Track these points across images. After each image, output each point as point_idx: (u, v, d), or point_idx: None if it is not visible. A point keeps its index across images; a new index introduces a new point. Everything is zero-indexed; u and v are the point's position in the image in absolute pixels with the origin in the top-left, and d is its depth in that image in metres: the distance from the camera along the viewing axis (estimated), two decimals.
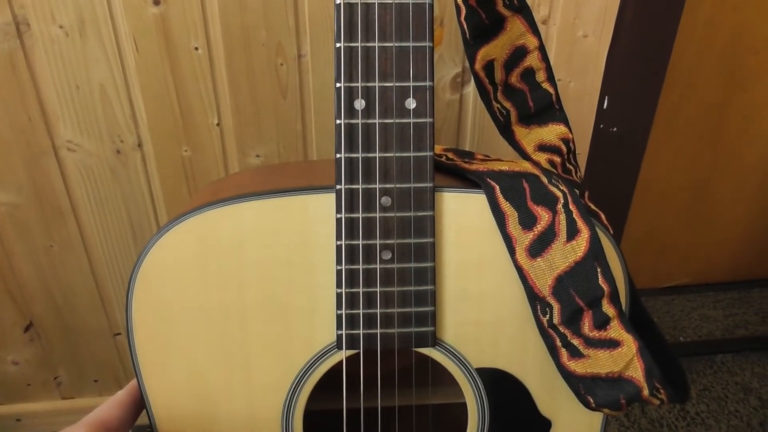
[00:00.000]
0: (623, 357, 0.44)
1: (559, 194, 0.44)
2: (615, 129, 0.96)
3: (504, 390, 0.48)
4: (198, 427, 0.48)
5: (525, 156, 0.51)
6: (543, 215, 0.43)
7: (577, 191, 0.50)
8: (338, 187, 0.43)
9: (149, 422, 0.49)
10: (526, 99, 0.51)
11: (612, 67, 0.92)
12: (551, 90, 0.51)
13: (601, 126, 0.95)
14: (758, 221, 1.44)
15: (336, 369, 0.47)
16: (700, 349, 1.36)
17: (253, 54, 0.83)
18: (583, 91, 0.92)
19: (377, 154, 0.42)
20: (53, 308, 1.02)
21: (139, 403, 0.48)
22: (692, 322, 1.41)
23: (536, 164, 0.49)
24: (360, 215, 0.43)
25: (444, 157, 0.51)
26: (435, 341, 0.46)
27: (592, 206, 0.52)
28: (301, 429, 0.48)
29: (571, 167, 0.54)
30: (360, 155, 0.42)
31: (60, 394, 1.13)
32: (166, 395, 0.47)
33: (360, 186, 0.43)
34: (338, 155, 0.42)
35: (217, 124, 0.87)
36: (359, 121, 0.41)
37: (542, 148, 0.51)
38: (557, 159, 0.52)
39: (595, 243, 0.43)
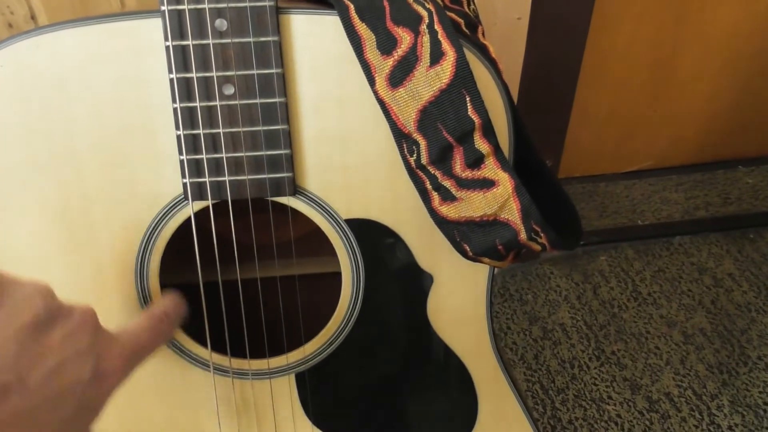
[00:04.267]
0: (498, 198, 0.40)
1: (424, 13, 0.38)
2: None
3: (379, 243, 0.44)
4: None
5: None
6: (404, 37, 0.38)
7: (462, 21, 0.44)
8: (162, 8, 0.37)
9: None
10: None
11: None
12: None
13: None
14: (724, 98, 1.37)
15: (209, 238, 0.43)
16: (658, 232, 1.33)
17: None
18: None
19: None
20: None
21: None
22: (652, 206, 1.38)
23: None
24: (191, 42, 0.37)
25: None
26: (295, 189, 0.41)
27: (483, 40, 0.46)
28: (158, 293, 0.44)
29: None
30: None
31: None
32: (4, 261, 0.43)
33: (187, 6, 0.37)
34: None
35: None
36: None
37: None
38: None
39: (462, 67, 0.37)
